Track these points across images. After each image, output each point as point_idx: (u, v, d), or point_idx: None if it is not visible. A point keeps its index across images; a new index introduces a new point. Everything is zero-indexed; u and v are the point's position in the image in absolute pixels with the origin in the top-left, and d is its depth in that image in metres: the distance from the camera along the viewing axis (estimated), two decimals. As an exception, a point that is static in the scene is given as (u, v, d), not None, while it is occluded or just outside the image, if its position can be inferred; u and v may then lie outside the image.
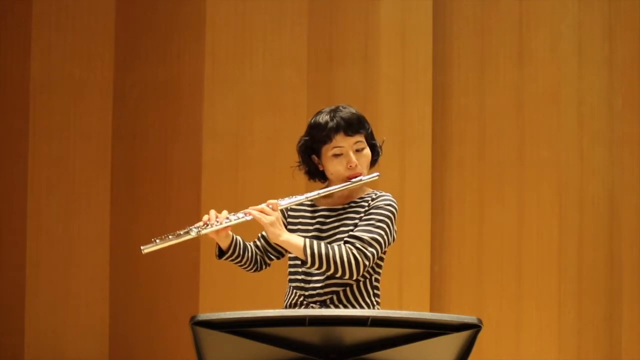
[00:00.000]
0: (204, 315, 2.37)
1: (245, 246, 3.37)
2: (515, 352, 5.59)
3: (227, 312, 2.37)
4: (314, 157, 3.33)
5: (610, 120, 5.73)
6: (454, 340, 2.42)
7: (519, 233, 5.63)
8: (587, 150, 5.67)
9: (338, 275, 3.15)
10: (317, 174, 3.37)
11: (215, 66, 5.47)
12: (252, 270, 3.43)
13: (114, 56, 5.78)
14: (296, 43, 5.55)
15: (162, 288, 5.56)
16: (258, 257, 3.43)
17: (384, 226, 3.21)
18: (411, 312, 2.40)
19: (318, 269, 3.15)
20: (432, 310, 5.51)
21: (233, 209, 3.25)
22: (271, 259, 3.46)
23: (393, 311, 2.40)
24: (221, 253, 3.34)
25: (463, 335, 2.41)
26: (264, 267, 3.46)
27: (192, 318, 2.37)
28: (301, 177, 3.41)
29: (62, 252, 5.70)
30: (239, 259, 3.35)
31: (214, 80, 5.47)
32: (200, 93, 5.47)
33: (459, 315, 2.44)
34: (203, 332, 2.38)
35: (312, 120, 3.32)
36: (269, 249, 3.43)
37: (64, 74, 5.72)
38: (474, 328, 2.40)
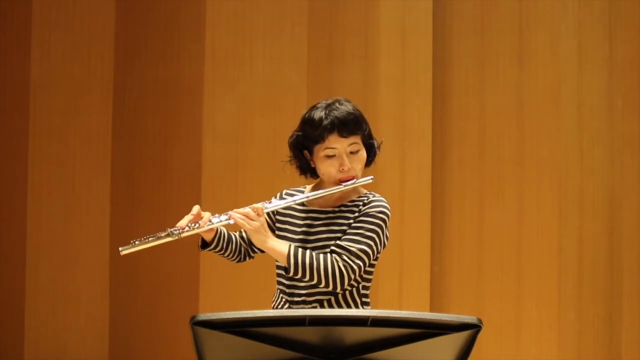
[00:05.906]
0: (204, 315, 2.37)
1: (229, 238, 3.27)
2: (515, 352, 5.59)
3: (227, 312, 2.37)
4: (306, 152, 3.19)
5: (610, 120, 5.73)
6: (454, 340, 2.42)
7: (519, 233, 5.63)
8: (587, 150, 5.67)
9: (321, 286, 3.06)
10: (308, 170, 3.22)
11: (215, 66, 5.47)
12: (236, 261, 3.35)
13: (114, 56, 5.77)
14: (296, 43, 5.55)
15: (162, 288, 5.56)
16: (242, 248, 3.33)
17: (374, 236, 3.09)
18: (411, 312, 2.40)
19: (301, 278, 3.07)
20: (432, 310, 5.51)
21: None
22: (255, 252, 3.36)
23: (393, 311, 2.40)
24: (204, 244, 3.25)
25: (463, 335, 2.41)
26: (247, 258, 3.37)
27: (192, 318, 2.37)
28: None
29: (62, 252, 5.69)
30: (222, 251, 3.26)
31: (214, 80, 5.47)
32: (200, 93, 5.47)
33: (459, 315, 2.44)
34: (203, 332, 2.37)
35: (307, 115, 3.15)
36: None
37: (64, 74, 5.72)
38: (474, 328, 2.40)
